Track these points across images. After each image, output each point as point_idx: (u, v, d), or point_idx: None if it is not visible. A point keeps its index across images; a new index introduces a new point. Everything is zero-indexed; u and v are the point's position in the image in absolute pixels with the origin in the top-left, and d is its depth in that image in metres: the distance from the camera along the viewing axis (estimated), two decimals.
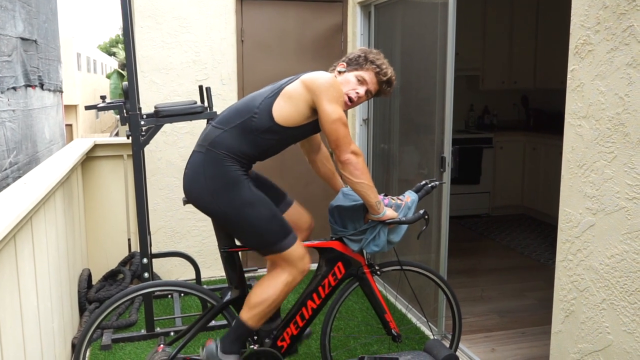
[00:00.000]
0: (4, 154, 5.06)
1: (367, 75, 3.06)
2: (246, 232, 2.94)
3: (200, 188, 2.89)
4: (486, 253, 6.45)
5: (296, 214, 3.30)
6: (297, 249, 2.98)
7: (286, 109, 2.90)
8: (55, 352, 3.49)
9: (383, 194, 3.18)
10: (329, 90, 2.86)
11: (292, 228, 3.01)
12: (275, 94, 2.94)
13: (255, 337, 3.15)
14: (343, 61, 3.12)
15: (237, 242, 3.13)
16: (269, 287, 2.98)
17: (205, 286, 5.11)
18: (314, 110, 2.92)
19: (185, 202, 3.03)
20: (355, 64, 3.07)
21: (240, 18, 5.50)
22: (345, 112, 2.96)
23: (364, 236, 3.10)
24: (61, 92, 8.24)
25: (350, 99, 3.03)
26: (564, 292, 2.83)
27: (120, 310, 4.74)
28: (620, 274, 2.47)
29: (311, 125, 2.99)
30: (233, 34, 5.51)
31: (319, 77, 2.90)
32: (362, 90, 3.05)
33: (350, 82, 3.04)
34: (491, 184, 7.97)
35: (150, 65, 5.32)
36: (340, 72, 3.09)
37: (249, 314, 2.99)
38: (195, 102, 4.29)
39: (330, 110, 2.84)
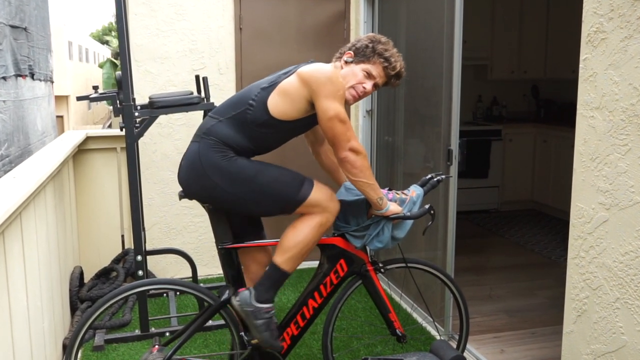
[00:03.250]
0: None
1: (375, 69, 3.02)
2: (263, 203, 2.95)
3: (200, 178, 2.89)
4: (495, 250, 6.45)
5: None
6: (320, 191, 2.99)
7: (282, 104, 2.89)
8: (45, 353, 3.50)
9: (387, 188, 3.18)
10: (327, 86, 2.84)
11: (302, 174, 3.01)
12: (272, 86, 2.92)
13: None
14: (350, 49, 3.08)
15: (236, 240, 3.13)
16: (303, 229, 2.98)
17: (202, 284, 5.12)
18: (312, 105, 2.91)
19: (182, 196, 3.03)
20: (362, 55, 3.03)
21: (239, 5, 5.49)
22: (350, 105, 2.95)
23: (367, 232, 3.10)
24: (52, 82, 8.25)
25: (357, 93, 3.02)
26: (575, 290, 2.83)
27: (114, 310, 4.75)
28: (635, 272, 2.47)
29: (309, 120, 2.98)
30: (231, 21, 5.50)
31: (316, 72, 2.88)
32: (369, 85, 3.03)
33: (357, 75, 3.01)
34: (500, 178, 7.97)
35: (145, 54, 5.31)
36: (347, 62, 3.07)
37: (283, 257, 2.99)
38: (192, 93, 4.29)
39: (327, 106, 2.83)
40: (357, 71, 3.02)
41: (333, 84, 2.86)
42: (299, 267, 3.88)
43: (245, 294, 2.99)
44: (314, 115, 2.94)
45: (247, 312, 2.97)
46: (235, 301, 3.01)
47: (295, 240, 2.98)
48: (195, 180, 2.93)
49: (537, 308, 4.84)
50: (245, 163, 2.90)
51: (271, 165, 2.97)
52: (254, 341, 3.06)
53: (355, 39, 3.15)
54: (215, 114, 2.98)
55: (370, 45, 3.04)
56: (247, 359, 3.12)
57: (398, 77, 3.09)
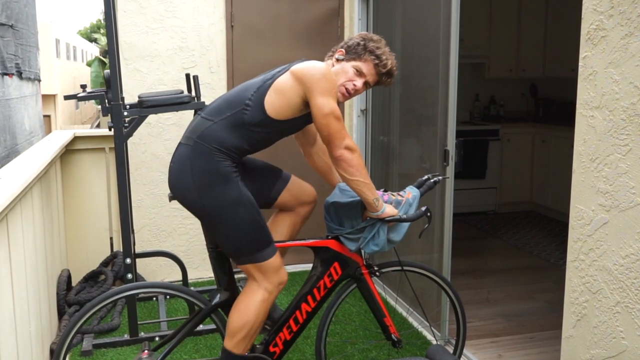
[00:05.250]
0: None
1: (366, 66, 3.03)
2: (227, 234, 2.93)
3: (187, 183, 2.88)
4: (492, 252, 6.46)
5: (297, 188, 3.32)
6: (275, 261, 2.99)
7: (278, 103, 2.89)
8: (32, 358, 3.48)
9: (382, 190, 3.18)
10: (321, 82, 2.85)
11: (273, 239, 3.02)
12: (268, 86, 2.92)
13: None
14: (342, 47, 3.10)
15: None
16: (246, 309, 2.98)
17: (192, 288, 5.11)
18: (306, 103, 2.91)
19: (171, 198, 3.03)
20: (353, 52, 3.05)
21: (230, 1, 5.48)
22: (343, 102, 2.94)
23: (362, 235, 3.10)
24: (39, 80, 8.22)
25: (347, 90, 3.02)
26: (575, 294, 2.83)
27: (102, 314, 4.73)
28: (636, 275, 2.47)
29: (304, 118, 3.00)
30: (222, 18, 5.49)
31: (310, 69, 2.89)
32: (359, 82, 3.03)
33: (347, 72, 3.02)
34: (498, 179, 7.98)
35: (134, 52, 5.30)
36: (338, 60, 3.08)
37: (232, 342, 3.00)
38: (182, 92, 4.28)
39: (322, 103, 2.83)
40: (347, 68, 3.03)
41: (328, 80, 2.86)
42: (291, 271, 3.88)
43: None
44: (308, 114, 2.95)
45: None
46: None
47: (242, 321, 2.99)
48: (181, 185, 2.92)
49: (536, 312, 4.85)
50: (236, 186, 2.89)
51: (256, 208, 2.95)
52: None
53: (347, 38, 3.16)
54: (209, 115, 2.95)
55: (362, 42, 3.05)
56: None
57: (389, 76, 3.10)
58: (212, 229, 2.98)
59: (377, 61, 3.03)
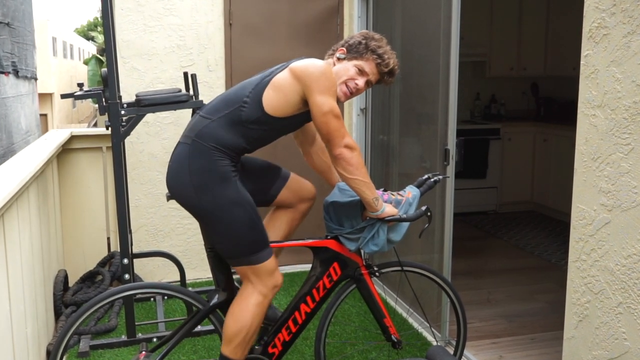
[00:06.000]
0: None
1: (367, 65, 3.02)
2: (223, 235, 2.92)
3: (184, 182, 2.88)
4: (493, 253, 6.46)
5: (296, 185, 3.32)
6: (270, 264, 2.98)
7: (276, 99, 2.89)
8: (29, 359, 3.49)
9: (382, 189, 3.17)
10: (320, 80, 2.84)
11: (269, 241, 3.01)
12: (266, 83, 2.92)
13: None
14: (343, 46, 3.09)
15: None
16: (241, 313, 2.97)
17: (190, 288, 5.11)
18: (304, 101, 2.91)
19: (169, 197, 3.02)
20: (355, 51, 3.04)
21: None
22: (344, 102, 2.94)
23: (362, 235, 3.09)
24: (36, 79, 8.22)
25: (348, 89, 3.02)
26: (577, 294, 2.83)
27: (99, 315, 4.73)
28: (638, 276, 2.47)
29: (303, 116, 2.98)
30: (220, 16, 5.49)
31: (309, 66, 2.88)
32: (361, 81, 3.03)
33: (349, 71, 3.01)
34: (499, 179, 7.97)
35: (132, 51, 5.30)
36: (339, 59, 3.08)
37: (230, 348, 2.99)
38: (180, 90, 4.28)
39: (321, 102, 2.83)
40: (349, 67, 3.02)
41: (327, 79, 2.86)
42: (290, 271, 3.84)
43: None
44: (307, 112, 2.94)
45: None
46: None
47: (238, 326, 2.96)
48: (179, 184, 2.91)
49: (537, 313, 4.85)
50: (234, 186, 2.88)
51: (254, 209, 2.95)
52: None
53: (348, 36, 3.15)
54: (207, 113, 2.95)
55: (364, 41, 3.04)
56: None
57: (391, 75, 3.09)
58: (208, 228, 2.97)
59: (379, 60, 3.02)
